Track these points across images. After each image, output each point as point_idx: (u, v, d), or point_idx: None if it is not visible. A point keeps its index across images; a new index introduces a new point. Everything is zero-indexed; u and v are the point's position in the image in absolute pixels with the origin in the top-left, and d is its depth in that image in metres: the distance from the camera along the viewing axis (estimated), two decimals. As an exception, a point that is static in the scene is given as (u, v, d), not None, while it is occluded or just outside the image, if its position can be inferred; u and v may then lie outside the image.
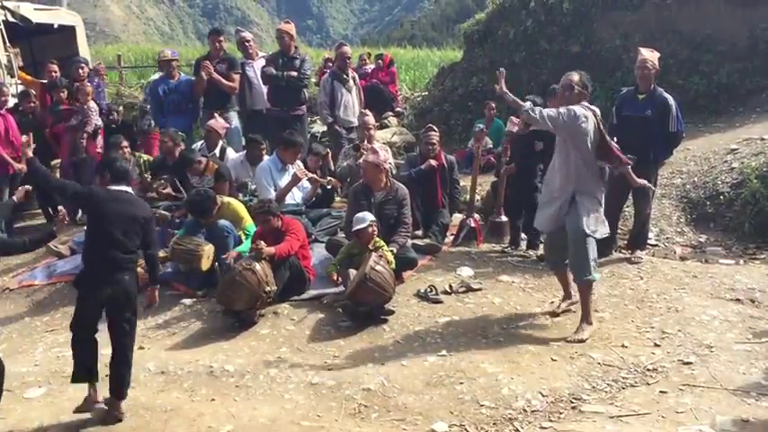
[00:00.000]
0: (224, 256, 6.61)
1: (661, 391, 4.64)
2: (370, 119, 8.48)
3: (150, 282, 5.19)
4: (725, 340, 5.34)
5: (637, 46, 7.60)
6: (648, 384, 4.77)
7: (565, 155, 5.57)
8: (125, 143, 8.60)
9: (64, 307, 6.74)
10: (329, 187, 8.26)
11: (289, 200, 7.72)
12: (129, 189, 5.07)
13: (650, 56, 6.93)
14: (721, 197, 8.50)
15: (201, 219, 6.98)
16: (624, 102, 7.17)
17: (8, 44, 10.40)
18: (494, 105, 11.18)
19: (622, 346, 5.35)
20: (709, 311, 5.85)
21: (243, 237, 7.01)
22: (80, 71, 9.53)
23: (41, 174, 5.01)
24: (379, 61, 14.43)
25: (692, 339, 5.37)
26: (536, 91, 9.29)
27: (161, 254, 7.32)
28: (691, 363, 4.99)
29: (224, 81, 9.12)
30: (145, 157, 8.76)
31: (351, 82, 9.53)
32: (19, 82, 10.36)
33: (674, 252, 7.87)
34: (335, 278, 6.56)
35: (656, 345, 5.32)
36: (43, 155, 9.27)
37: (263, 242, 6.22)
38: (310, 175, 7.88)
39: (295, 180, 7.66)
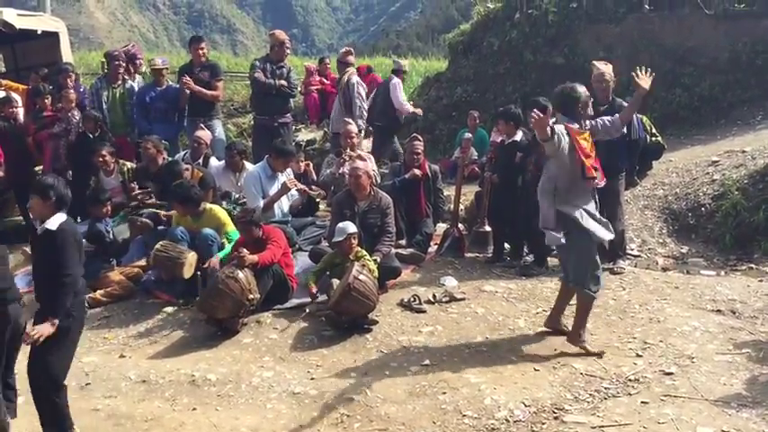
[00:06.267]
0: (205, 266, 6.60)
1: (643, 402, 4.65)
2: (353, 127, 8.48)
3: None
4: (706, 351, 5.37)
5: (619, 58, 7.68)
6: (630, 395, 4.78)
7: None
8: (108, 151, 8.52)
9: (44, 315, 6.64)
10: (318, 201, 8.30)
11: (276, 211, 7.70)
12: None
13: (606, 69, 7.09)
14: (703, 209, 8.56)
15: (189, 207, 7.02)
16: None
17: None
18: (477, 115, 11.28)
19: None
20: (691, 322, 5.88)
21: (226, 242, 6.99)
22: (68, 80, 9.43)
23: None
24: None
25: (674, 350, 5.40)
26: (519, 102, 9.33)
27: (142, 262, 7.34)
28: (672, 373, 5.02)
29: (205, 91, 9.06)
30: (128, 165, 8.68)
31: (341, 88, 9.66)
32: (1, 88, 10.27)
33: (656, 263, 7.91)
34: (313, 290, 6.49)
35: (638, 355, 5.34)
36: (26, 162, 9.32)
37: (245, 250, 6.20)
38: (300, 185, 7.88)
39: (284, 189, 7.63)
